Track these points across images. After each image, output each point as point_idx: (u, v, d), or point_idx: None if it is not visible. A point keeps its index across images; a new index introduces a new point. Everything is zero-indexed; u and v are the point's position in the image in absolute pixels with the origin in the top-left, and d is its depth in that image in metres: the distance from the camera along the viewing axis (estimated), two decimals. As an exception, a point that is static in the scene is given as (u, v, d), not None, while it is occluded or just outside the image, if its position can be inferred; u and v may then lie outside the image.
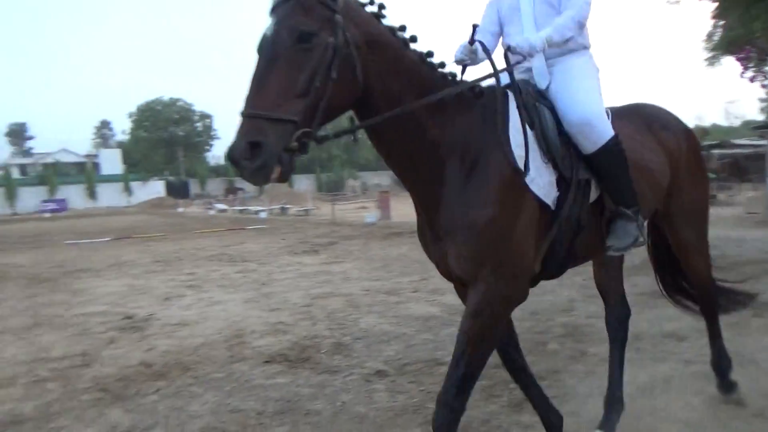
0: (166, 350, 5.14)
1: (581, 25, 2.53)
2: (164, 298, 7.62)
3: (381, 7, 2.20)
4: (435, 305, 6.36)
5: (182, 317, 6.44)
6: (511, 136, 2.28)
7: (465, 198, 2.24)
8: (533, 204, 2.29)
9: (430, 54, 2.29)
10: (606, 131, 2.47)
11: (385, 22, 2.21)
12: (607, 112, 2.70)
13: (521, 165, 2.25)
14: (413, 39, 2.25)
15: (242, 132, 1.82)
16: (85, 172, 55.60)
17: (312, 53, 1.91)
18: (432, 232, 2.37)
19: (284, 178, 1.89)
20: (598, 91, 2.61)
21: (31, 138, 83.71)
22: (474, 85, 2.34)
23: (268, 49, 1.92)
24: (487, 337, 2.24)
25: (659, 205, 3.00)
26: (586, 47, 2.71)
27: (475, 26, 2.50)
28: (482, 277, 2.23)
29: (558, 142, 2.42)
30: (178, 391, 4.12)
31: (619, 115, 2.84)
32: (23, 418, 3.77)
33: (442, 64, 2.33)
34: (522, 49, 2.39)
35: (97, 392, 4.18)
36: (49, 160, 61.74)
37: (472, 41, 2.49)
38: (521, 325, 5.47)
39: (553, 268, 2.49)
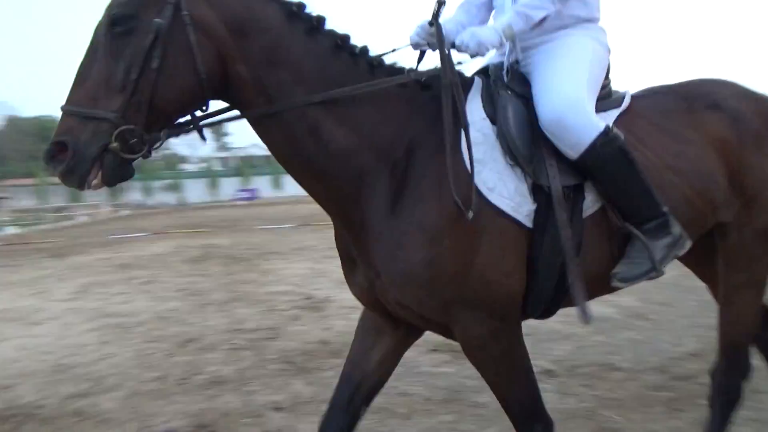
0: (341, 330, 5.50)
1: None
2: (339, 282, 8.13)
3: None
4: (610, 306, 5.95)
5: (354, 301, 6.82)
6: (463, 137, 1.80)
7: (396, 227, 1.78)
8: (499, 220, 1.80)
9: (345, 39, 1.84)
10: (588, 129, 1.83)
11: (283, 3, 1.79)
12: (623, 95, 2.11)
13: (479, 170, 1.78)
14: (320, 20, 1.81)
15: (55, 130, 1.64)
16: (273, 164, 61.57)
17: (129, 39, 1.62)
18: (362, 260, 1.92)
19: (110, 182, 1.64)
20: (579, 76, 1.90)
21: (228, 134, 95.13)
22: (413, 77, 1.87)
23: (91, 36, 1.68)
24: (508, 366, 1.94)
25: (709, 217, 2.13)
26: (588, 20, 2.05)
27: (441, 2, 1.88)
28: (453, 320, 1.86)
29: (522, 139, 1.85)
30: (352, 370, 4.41)
31: (646, 94, 2.19)
32: (224, 380, 4.32)
33: (364, 50, 1.88)
34: (467, 47, 1.86)
35: (283, 363, 4.63)
36: (243, 154, 69.42)
37: (432, 21, 1.89)
38: (711, 335, 4.91)
39: (538, 305, 1.95)
